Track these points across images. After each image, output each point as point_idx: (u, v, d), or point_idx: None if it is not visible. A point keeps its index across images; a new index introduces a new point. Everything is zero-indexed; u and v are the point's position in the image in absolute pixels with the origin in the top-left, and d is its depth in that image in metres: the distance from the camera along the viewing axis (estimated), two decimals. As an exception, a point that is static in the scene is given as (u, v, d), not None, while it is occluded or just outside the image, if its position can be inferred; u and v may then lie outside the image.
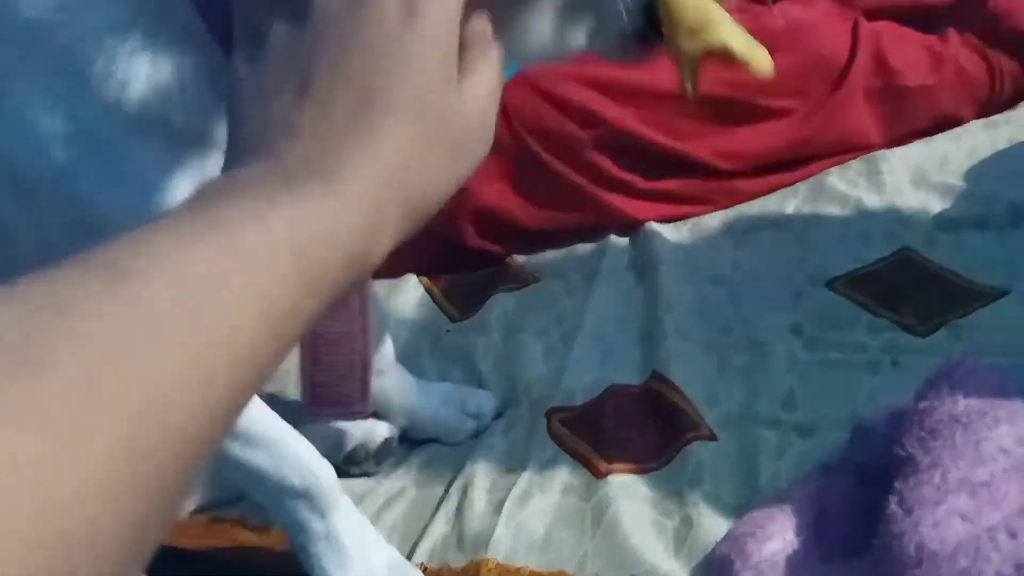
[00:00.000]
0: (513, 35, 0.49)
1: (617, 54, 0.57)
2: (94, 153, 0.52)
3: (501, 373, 0.93)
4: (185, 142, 0.52)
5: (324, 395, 0.56)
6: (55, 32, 0.49)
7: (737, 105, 1.06)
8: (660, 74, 1.05)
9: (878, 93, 1.10)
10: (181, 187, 0.53)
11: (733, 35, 0.53)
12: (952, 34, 1.11)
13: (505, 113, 1.04)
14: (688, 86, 0.55)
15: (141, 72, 0.49)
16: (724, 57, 0.52)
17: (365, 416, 0.58)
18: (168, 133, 0.51)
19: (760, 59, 0.53)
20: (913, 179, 1.06)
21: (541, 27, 0.51)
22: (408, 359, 0.93)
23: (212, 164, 0.53)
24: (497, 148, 1.09)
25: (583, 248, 1.10)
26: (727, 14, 0.55)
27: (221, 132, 0.47)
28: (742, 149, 1.07)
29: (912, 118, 1.11)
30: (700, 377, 0.86)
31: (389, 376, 0.87)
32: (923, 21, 1.13)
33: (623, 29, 0.53)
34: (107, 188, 0.52)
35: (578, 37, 0.52)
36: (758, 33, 1.09)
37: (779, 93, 1.07)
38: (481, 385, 0.93)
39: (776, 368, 0.86)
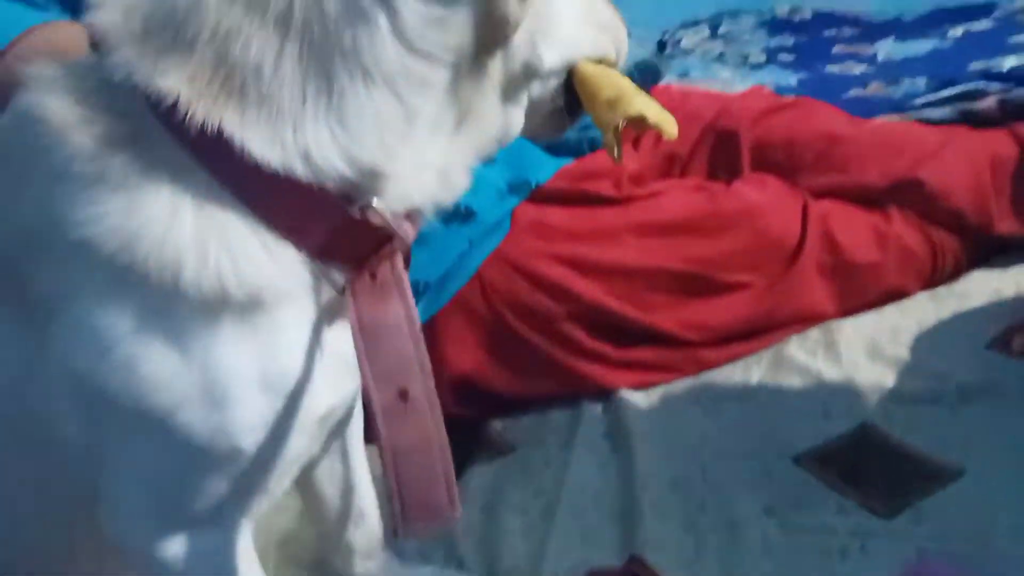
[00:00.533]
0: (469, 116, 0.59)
1: (553, 130, 0.70)
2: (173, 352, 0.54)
3: (482, 554, 0.94)
4: (244, 316, 0.55)
5: (414, 510, 0.58)
6: (103, 242, 0.52)
7: (700, 280, 1.12)
8: (628, 252, 1.11)
9: (829, 269, 1.17)
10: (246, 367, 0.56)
11: (646, 105, 0.62)
12: (894, 212, 1.20)
13: (482, 287, 1.08)
14: (614, 151, 0.63)
15: (190, 257, 0.53)
16: (640, 124, 0.62)
17: (456, 521, 0.62)
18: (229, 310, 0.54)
19: (669, 124, 0.62)
20: (868, 351, 1.12)
21: (488, 109, 0.60)
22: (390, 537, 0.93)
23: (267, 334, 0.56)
24: (474, 320, 1.15)
25: (559, 415, 1.12)
26: (637, 88, 0.65)
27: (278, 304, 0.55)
28: (706, 321, 1.13)
29: (862, 291, 1.18)
30: (678, 560, 0.88)
31: (376, 558, 0.87)
32: (865, 200, 1.21)
33: (555, 106, 0.66)
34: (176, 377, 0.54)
35: (519, 116, 0.63)
36: (715, 215, 1.17)
37: (739, 269, 1.13)
38: (462, 565, 0.94)
39: (751, 551, 0.88)
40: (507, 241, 1.09)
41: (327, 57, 0.52)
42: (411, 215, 0.59)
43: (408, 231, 0.58)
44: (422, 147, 0.56)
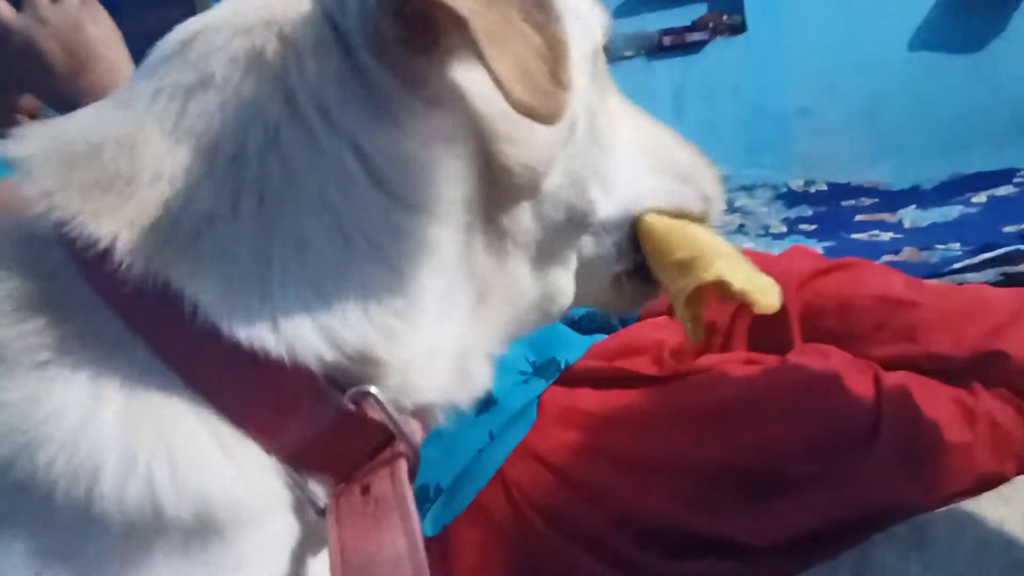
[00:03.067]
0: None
1: (623, 300, 0.58)
2: None
3: None
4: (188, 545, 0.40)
5: None
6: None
7: (762, 474, 0.94)
8: (676, 443, 0.94)
9: (912, 452, 1.00)
10: None
11: (730, 268, 0.50)
12: (980, 388, 1.04)
13: (505, 490, 0.92)
14: (688, 326, 0.51)
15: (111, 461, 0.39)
16: (723, 292, 0.49)
17: None
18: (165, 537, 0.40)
19: (763, 293, 0.49)
20: (971, 558, 0.93)
21: (519, 277, 0.49)
22: None
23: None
24: (497, 530, 0.92)
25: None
26: (719, 239, 0.55)
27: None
28: (774, 523, 0.94)
29: (952, 477, 1.00)
30: None
31: None
32: (941, 373, 1.06)
33: (620, 269, 0.56)
34: None
35: (567, 282, 0.53)
36: (774, 394, 1.00)
37: (806, 458, 0.96)
38: None
39: None
40: (534, 432, 0.93)
41: (293, 208, 0.41)
42: (420, 412, 0.46)
43: (415, 432, 0.45)
44: (431, 326, 0.44)
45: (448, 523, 0.90)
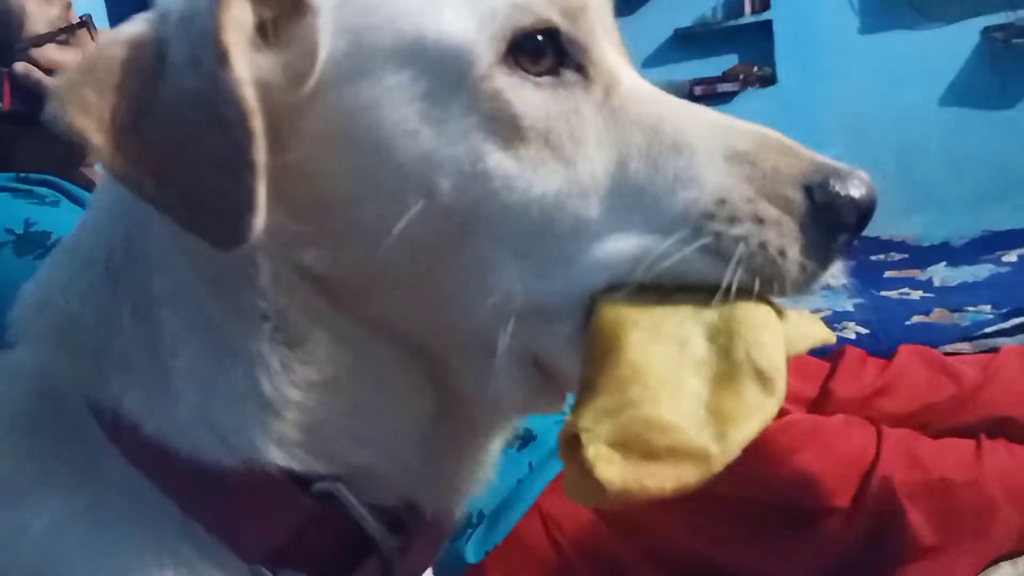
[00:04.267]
0: None
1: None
2: None
3: None
4: None
5: None
6: None
7: (784, 509, 0.99)
8: (710, 481, 0.98)
9: (918, 489, 1.02)
10: None
11: (686, 410, 0.39)
12: (984, 437, 1.08)
13: (543, 522, 0.96)
14: (579, 487, 0.41)
15: None
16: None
17: None
18: None
19: (818, 332, 0.45)
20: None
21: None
22: None
23: None
24: (535, 562, 0.95)
25: None
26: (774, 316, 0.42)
27: None
28: (803, 556, 0.98)
29: (962, 516, 1.02)
30: None
31: None
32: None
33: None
34: None
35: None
36: (787, 433, 1.03)
37: (821, 492, 1.00)
38: None
39: None
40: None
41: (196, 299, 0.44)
42: (434, 522, 0.47)
43: (418, 555, 0.46)
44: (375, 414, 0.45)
45: (489, 550, 0.94)
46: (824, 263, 0.42)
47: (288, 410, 0.42)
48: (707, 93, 3.65)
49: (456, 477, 0.48)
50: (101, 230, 0.46)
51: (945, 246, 2.92)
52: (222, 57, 0.37)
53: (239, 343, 0.42)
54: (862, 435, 1.06)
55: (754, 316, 0.40)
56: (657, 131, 0.43)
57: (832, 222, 0.42)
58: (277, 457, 0.42)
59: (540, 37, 0.42)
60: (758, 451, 0.97)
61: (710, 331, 0.39)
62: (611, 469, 0.36)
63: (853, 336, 2.08)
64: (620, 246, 0.41)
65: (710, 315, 0.40)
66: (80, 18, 1.06)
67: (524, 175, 0.41)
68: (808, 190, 0.41)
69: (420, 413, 0.45)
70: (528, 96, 0.41)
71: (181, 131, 0.38)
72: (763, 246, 0.40)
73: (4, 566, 0.44)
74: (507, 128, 0.41)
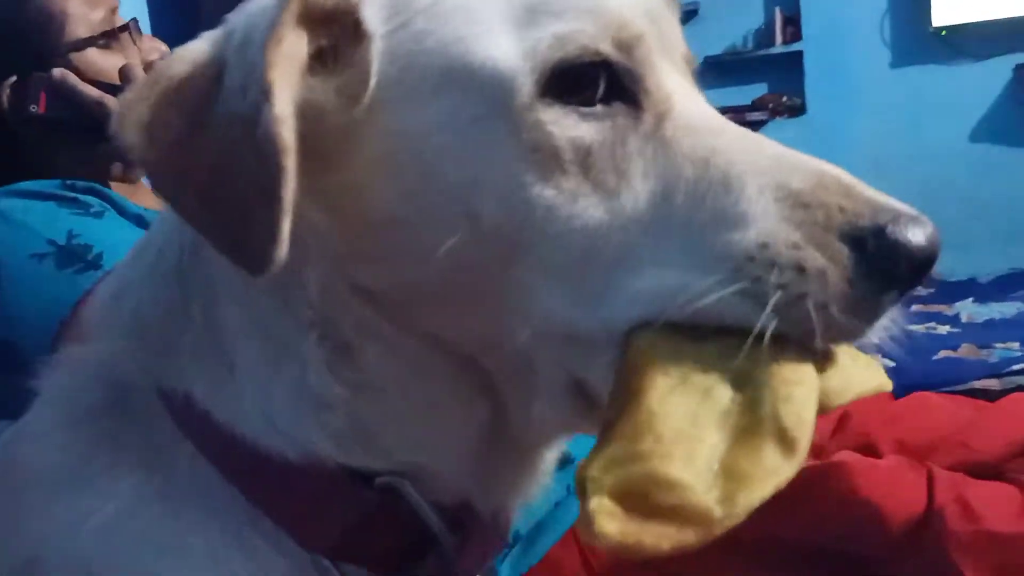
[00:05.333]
0: None
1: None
2: None
3: None
4: None
5: None
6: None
7: (822, 553, 0.98)
8: (744, 521, 0.98)
9: (969, 542, 1.02)
10: None
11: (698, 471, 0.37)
12: None
13: (579, 548, 0.96)
14: (592, 526, 0.38)
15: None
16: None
17: None
18: None
19: (869, 379, 0.42)
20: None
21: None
22: None
23: None
24: None
25: None
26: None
27: None
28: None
29: (1011, 568, 1.02)
30: None
31: None
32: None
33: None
34: None
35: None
36: (832, 478, 1.02)
37: (865, 541, 0.99)
38: None
39: None
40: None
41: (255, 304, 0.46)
42: (490, 523, 0.48)
43: (474, 555, 0.47)
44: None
45: (524, 572, 0.94)
46: (871, 319, 0.40)
47: (338, 409, 0.44)
48: (735, 122, 3.58)
49: (511, 481, 0.49)
50: (173, 229, 0.48)
51: (972, 282, 2.90)
52: (266, 92, 0.38)
53: (291, 344, 0.44)
54: (914, 480, 1.05)
55: (787, 368, 0.37)
56: (708, 164, 0.41)
57: (884, 274, 0.39)
58: (334, 452, 0.44)
59: (588, 68, 0.42)
60: (807, 494, 0.98)
61: (738, 380, 0.37)
62: (611, 523, 0.35)
63: (878, 368, 2.07)
64: (659, 281, 0.40)
65: (741, 362, 0.37)
66: (125, 23, 1.07)
67: (565, 206, 0.41)
68: (859, 240, 0.38)
69: (472, 420, 0.46)
70: (571, 128, 0.41)
71: (227, 154, 0.39)
72: (801, 297, 0.38)
73: (59, 552, 0.45)
74: (549, 159, 0.41)
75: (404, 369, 0.44)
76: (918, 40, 3.50)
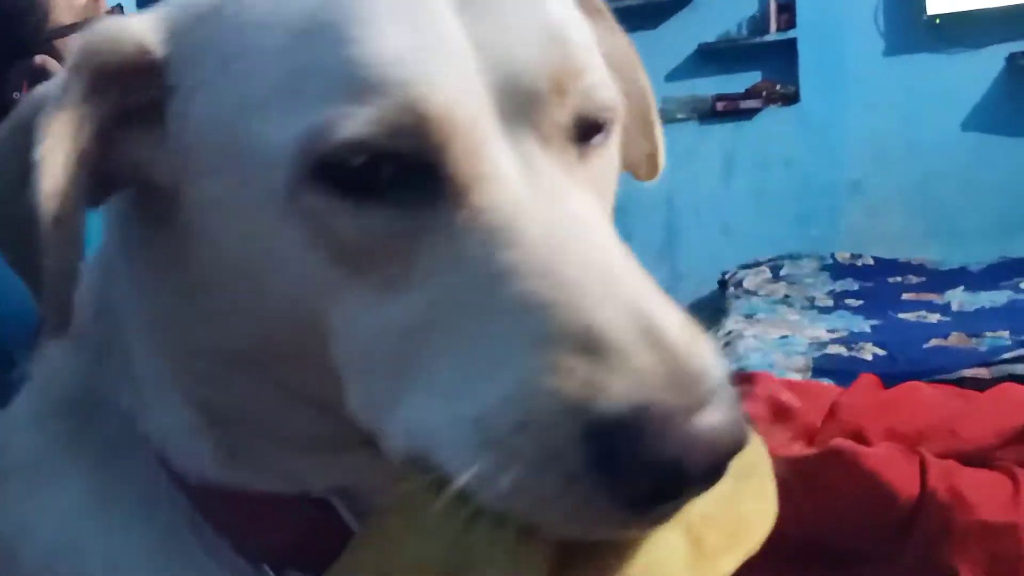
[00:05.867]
0: None
1: None
2: None
3: None
4: None
5: None
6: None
7: (816, 545, 0.99)
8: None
9: (954, 529, 1.03)
10: None
11: None
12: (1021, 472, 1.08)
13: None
14: None
15: None
16: None
17: None
18: None
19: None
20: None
21: None
22: None
23: None
24: None
25: None
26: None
27: None
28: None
29: (999, 557, 1.03)
30: None
31: None
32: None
33: None
34: None
35: None
36: (825, 468, 1.03)
37: (856, 533, 1.01)
38: None
39: None
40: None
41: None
42: None
43: None
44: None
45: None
46: (623, 519, 0.32)
47: (217, 440, 0.44)
48: (729, 109, 3.67)
49: None
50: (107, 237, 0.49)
51: (963, 271, 2.92)
52: (34, 170, 0.38)
53: (168, 376, 0.45)
54: (907, 467, 1.06)
55: (491, 549, 0.32)
56: (497, 284, 0.34)
57: (619, 482, 0.31)
58: (227, 479, 0.44)
59: (364, 154, 0.36)
60: (803, 485, 0.99)
61: (448, 555, 0.32)
62: None
63: (870, 357, 2.09)
64: (421, 415, 0.35)
65: (454, 534, 0.32)
66: (110, 9, 1.06)
67: (342, 303, 0.37)
68: (601, 434, 0.31)
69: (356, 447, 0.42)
70: (345, 219, 0.36)
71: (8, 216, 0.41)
72: (519, 487, 0.31)
73: (25, 543, 0.46)
74: (326, 250, 0.37)
75: (270, 411, 0.44)
76: (912, 29, 3.50)
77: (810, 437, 1.17)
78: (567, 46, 0.40)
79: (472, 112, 0.37)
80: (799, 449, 1.10)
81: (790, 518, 0.98)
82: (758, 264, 3.25)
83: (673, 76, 3.73)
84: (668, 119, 3.95)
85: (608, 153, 0.44)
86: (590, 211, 0.38)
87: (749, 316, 2.63)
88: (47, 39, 1.01)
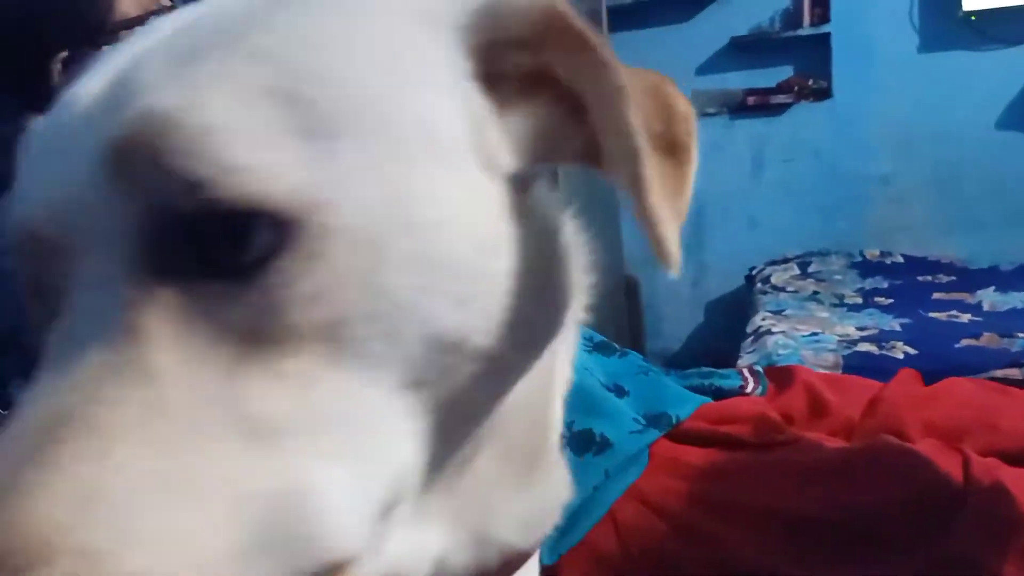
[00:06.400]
0: None
1: None
2: None
3: None
4: None
5: None
6: None
7: (856, 531, 1.01)
8: (778, 497, 1.01)
9: (998, 523, 1.04)
10: None
11: None
12: None
13: (616, 529, 1.00)
14: None
15: None
16: None
17: None
18: None
19: None
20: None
21: None
22: None
23: None
24: (604, 567, 1.00)
25: None
26: None
27: None
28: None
29: None
30: None
31: None
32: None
33: None
34: None
35: None
36: (868, 458, 1.03)
37: (897, 520, 1.02)
38: None
39: None
40: (643, 478, 1.02)
41: None
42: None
43: None
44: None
45: (563, 552, 0.98)
46: None
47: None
48: (760, 103, 3.66)
49: None
50: None
51: (994, 270, 2.91)
52: None
53: None
54: (950, 463, 1.07)
55: None
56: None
57: None
58: None
59: None
60: (845, 474, 1.00)
61: None
62: None
63: (901, 356, 2.10)
64: None
65: None
66: (171, 1, 1.09)
67: None
68: None
69: None
70: None
71: None
72: None
73: None
74: None
75: None
76: (947, 25, 3.47)
77: (848, 431, 1.18)
78: (142, 118, 0.29)
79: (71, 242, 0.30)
80: (839, 443, 1.12)
81: (834, 504, 1.01)
82: (786, 260, 3.26)
83: (703, 70, 3.73)
84: (697, 113, 3.90)
85: (298, 282, 0.29)
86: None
87: (777, 312, 2.63)
88: (113, 30, 1.05)
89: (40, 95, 1.06)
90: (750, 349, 2.39)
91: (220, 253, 0.28)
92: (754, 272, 3.27)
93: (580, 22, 0.35)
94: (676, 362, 3.60)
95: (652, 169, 0.34)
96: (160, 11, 1.08)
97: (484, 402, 0.37)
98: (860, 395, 1.23)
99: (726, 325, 3.32)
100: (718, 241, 3.60)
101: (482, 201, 0.34)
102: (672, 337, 3.75)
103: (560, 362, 0.46)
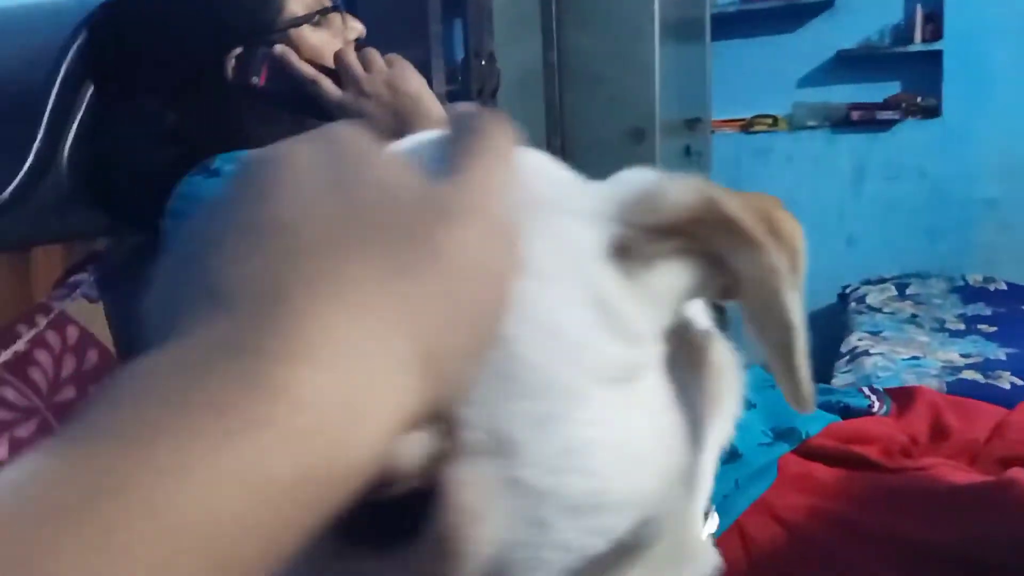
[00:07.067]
0: None
1: None
2: None
3: None
4: None
5: None
6: None
7: (984, 566, 1.01)
8: (908, 522, 1.02)
9: None
10: None
11: None
12: None
13: (742, 539, 1.03)
14: None
15: None
16: None
17: None
18: None
19: None
20: None
21: None
22: None
23: None
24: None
25: None
26: None
27: None
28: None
29: None
30: None
31: None
32: None
33: None
34: None
35: None
36: (1000, 493, 1.03)
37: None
38: None
39: None
40: (770, 492, 1.04)
41: None
42: None
43: None
44: None
45: (692, 558, 1.01)
46: None
47: None
48: (864, 119, 3.60)
49: None
50: None
51: (1107, 304, 2.82)
52: None
53: None
54: None
55: None
56: None
57: None
58: None
59: None
60: (976, 507, 1.00)
61: None
62: None
63: (1008, 386, 2.06)
64: None
65: None
66: (333, 2, 1.16)
67: None
68: None
69: None
70: None
71: None
72: None
73: None
74: None
75: None
76: (1066, 48, 3.36)
77: (971, 455, 1.18)
78: None
79: None
80: (963, 469, 1.11)
81: (962, 537, 1.01)
82: (883, 280, 3.20)
83: (807, 82, 3.68)
84: (797, 126, 3.88)
85: None
86: None
87: (875, 333, 2.60)
88: (283, 28, 1.12)
89: (205, 91, 1.12)
90: (845, 369, 2.38)
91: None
92: (848, 290, 3.22)
93: (735, 205, 0.34)
94: (760, 375, 3.56)
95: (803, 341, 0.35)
96: (324, 11, 1.14)
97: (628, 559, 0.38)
98: (984, 419, 1.22)
99: (816, 343, 3.22)
100: (812, 256, 3.48)
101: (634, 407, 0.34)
102: (760, 352, 3.72)
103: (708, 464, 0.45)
